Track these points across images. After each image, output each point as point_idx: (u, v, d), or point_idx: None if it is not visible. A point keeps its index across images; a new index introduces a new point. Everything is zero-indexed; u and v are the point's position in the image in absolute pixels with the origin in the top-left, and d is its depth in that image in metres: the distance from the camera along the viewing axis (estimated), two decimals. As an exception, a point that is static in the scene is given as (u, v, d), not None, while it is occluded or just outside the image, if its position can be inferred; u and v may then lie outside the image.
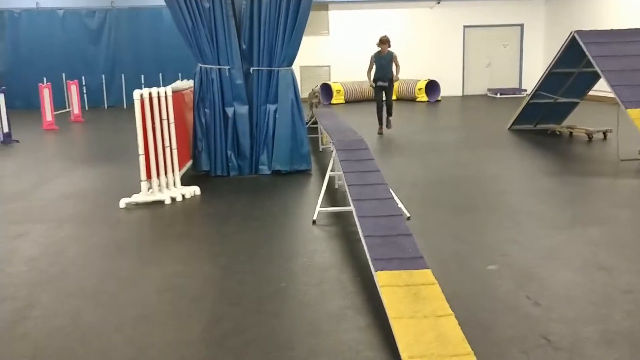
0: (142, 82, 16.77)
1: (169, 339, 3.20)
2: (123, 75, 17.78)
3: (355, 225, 4.82)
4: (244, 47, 7.37)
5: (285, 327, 3.30)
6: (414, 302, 3.24)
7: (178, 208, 6.09)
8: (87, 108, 17.06)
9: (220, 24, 7.20)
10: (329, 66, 18.63)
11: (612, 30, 8.84)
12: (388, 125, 10.75)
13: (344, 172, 5.17)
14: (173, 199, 6.24)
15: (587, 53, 8.19)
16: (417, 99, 17.51)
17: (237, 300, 3.69)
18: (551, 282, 3.80)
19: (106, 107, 17.75)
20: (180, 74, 16.16)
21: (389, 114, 10.74)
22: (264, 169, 7.50)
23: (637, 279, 3.81)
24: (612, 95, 7.77)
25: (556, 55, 9.11)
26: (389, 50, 10.57)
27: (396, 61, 10.50)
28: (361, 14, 18.69)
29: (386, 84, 10.60)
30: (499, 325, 3.23)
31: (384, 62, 10.57)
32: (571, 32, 8.60)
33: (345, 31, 18.76)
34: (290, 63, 7.44)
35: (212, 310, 3.57)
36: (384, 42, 10.56)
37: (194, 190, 6.52)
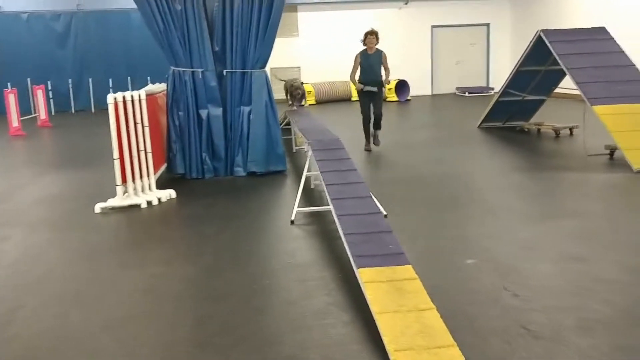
0: (110, 85, 16.56)
1: (159, 338, 3.21)
2: (91, 79, 17.51)
3: (334, 223, 4.89)
4: (216, 49, 7.36)
5: (272, 324, 3.34)
6: (397, 296, 3.30)
7: (155, 211, 6.06)
8: (54, 113, 16.75)
9: (193, 26, 7.19)
10: (299, 67, 18.65)
11: (576, 29, 9.08)
12: (375, 141, 8.87)
13: (321, 171, 5.22)
14: (149, 203, 6.20)
15: (553, 51, 8.39)
16: (388, 99, 17.65)
17: (223, 299, 3.70)
18: (529, 274, 3.90)
19: (74, 112, 17.46)
20: (149, 78, 16.04)
21: (378, 126, 8.78)
22: (240, 171, 7.50)
23: (610, 268, 3.95)
24: (577, 92, 7.98)
25: (523, 54, 9.31)
26: (377, 49, 8.63)
27: (386, 62, 8.66)
28: (330, 15, 18.78)
29: (375, 89, 8.55)
30: (481, 317, 3.31)
31: (372, 63, 8.56)
32: (537, 31, 8.80)
33: (314, 32, 18.83)
34: (264, 65, 7.46)
35: (199, 309, 3.58)
36: (372, 37, 8.50)
37: (169, 193, 6.49)
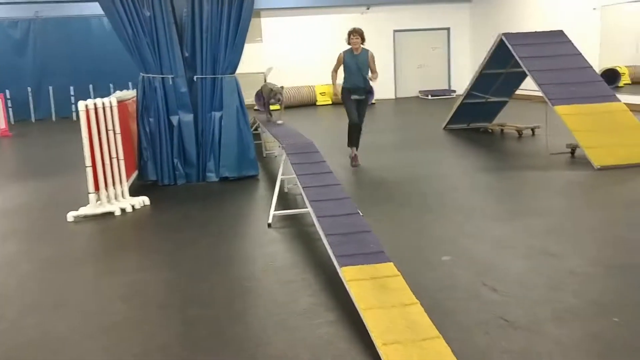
0: (72, 93, 16.27)
1: (145, 345, 3.22)
2: (51, 87, 17.15)
3: (311, 226, 4.99)
4: (186, 55, 7.36)
5: (258, 325, 3.39)
6: (381, 293, 3.39)
7: (129, 218, 6.03)
8: (13, 122, 16.36)
9: (162, 33, 7.17)
10: (263, 73, 18.69)
11: (536, 32, 9.39)
12: (354, 162, 7.97)
13: (297, 175, 5.29)
14: (123, 210, 6.16)
15: (515, 54, 8.66)
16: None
17: (207, 303, 3.74)
18: (504, 269, 4.05)
19: (34, 121, 17.08)
20: (112, 85, 15.84)
21: (356, 143, 8.00)
22: (212, 176, 7.50)
23: (579, 262, 4.13)
24: (537, 93, 8.26)
25: (486, 57, 9.57)
26: (364, 48, 7.72)
27: (374, 64, 7.70)
28: (293, 20, 18.89)
29: (363, 97, 7.79)
30: (461, 311, 3.43)
31: (359, 65, 7.63)
32: (499, 35, 9.07)
33: (278, 38, 18.91)
34: (234, 70, 7.50)
35: (183, 314, 3.60)
36: (356, 36, 7.67)
37: (142, 200, 6.46)
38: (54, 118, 17.01)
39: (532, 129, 9.97)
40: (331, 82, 8.13)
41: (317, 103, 18.33)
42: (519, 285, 3.76)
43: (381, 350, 2.88)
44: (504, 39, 8.93)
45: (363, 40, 7.71)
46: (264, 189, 7.03)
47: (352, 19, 18.97)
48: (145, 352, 3.14)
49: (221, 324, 3.43)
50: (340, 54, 7.75)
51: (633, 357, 2.89)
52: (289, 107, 17.46)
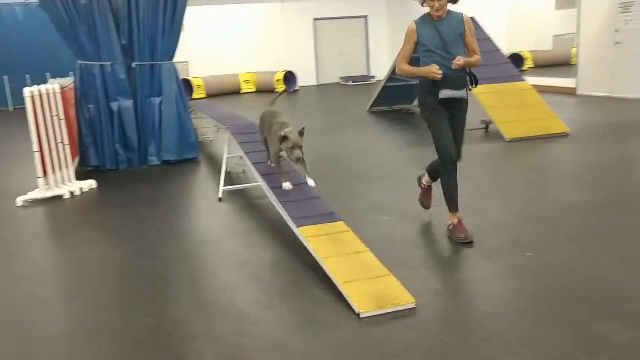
0: (6, 84, 15.78)
1: (107, 301, 3.58)
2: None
3: (259, 198, 5.45)
4: (124, 42, 7.54)
5: (230, 278, 3.82)
6: (337, 245, 3.90)
7: (79, 201, 6.21)
8: None
9: (99, 20, 7.32)
10: (187, 62, 18.71)
11: (450, 19, 10.16)
12: (460, 234, 4.21)
13: (246, 153, 5.68)
14: (71, 193, 6.34)
15: (433, 39, 9.37)
16: (276, 90, 18.26)
17: (177, 266, 4.11)
18: (437, 223, 4.67)
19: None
20: (48, 74, 15.40)
21: (455, 197, 4.38)
22: (154, 160, 7.75)
23: (499, 215, 4.83)
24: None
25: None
26: (451, 11, 4.31)
27: (472, 37, 4.29)
28: (215, 9, 19.01)
29: (462, 93, 4.25)
30: (403, 254, 4.01)
31: (446, 36, 4.22)
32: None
33: (200, 27, 18.97)
34: (172, 56, 7.76)
35: (159, 277, 3.96)
36: None
37: (90, 183, 6.65)
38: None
39: (449, 109, 10.79)
40: (410, 73, 4.47)
41: (242, 91, 18.62)
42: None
43: (342, 287, 3.39)
44: (421, 25, 9.61)
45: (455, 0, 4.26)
46: (206, 170, 7.37)
47: (272, 8, 19.38)
48: (107, 307, 3.50)
49: (195, 278, 3.83)
50: (411, 25, 4.31)
51: (540, 278, 3.55)
52: (213, 95, 17.68)
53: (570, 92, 12.61)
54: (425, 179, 4.80)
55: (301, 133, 4.50)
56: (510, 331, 2.91)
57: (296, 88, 18.33)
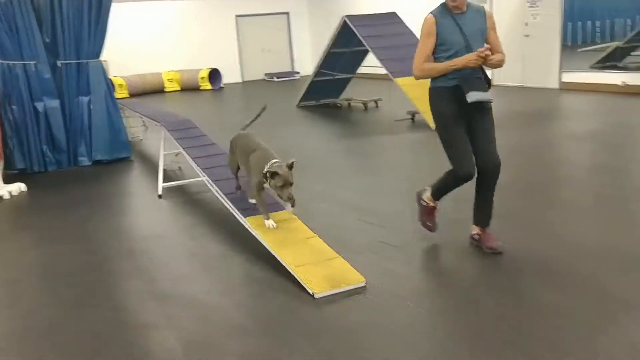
0: None
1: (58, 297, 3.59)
2: None
3: (200, 193, 5.53)
4: (47, 40, 7.33)
5: (181, 269, 3.89)
6: (285, 233, 4.05)
7: (9, 204, 6.03)
8: None
9: (20, 18, 7.08)
10: (106, 61, 18.19)
11: (374, 14, 10.51)
12: (489, 244, 3.85)
13: (184, 148, 5.72)
14: (1, 197, 6.14)
15: (358, 34, 9.69)
16: (201, 88, 18.11)
17: (126, 260, 4.13)
18: (373, 208, 4.92)
19: None
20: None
21: (488, 217, 3.90)
22: (84, 160, 7.59)
23: (431, 197, 5.13)
24: (377, 71, 9.36)
25: (332, 38, 10.52)
26: (473, 4, 3.76)
27: (495, 32, 3.81)
28: (134, 6, 18.58)
29: (488, 96, 3.67)
30: (348, 239, 4.22)
31: (469, 32, 3.67)
32: (342, 17, 10.05)
33: (119, 24, 18.45)
34: (99, 55, 7.63)
35: (109, 274, 3.97)
36: None
37: (19, 186, 6.45)
38: None
39: (376, 102, 11.17)
40: (439, 71, 3.71)
41: (166, 90, 18.32)
42: (387, 218, 4.64)
43: (295, 271, 3.55)
44: (347, 20, 9.91)
45: None
46: (140, 169, 7.31)
47: (194, 5, 19.18)
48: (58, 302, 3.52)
49: (147, 272, 3.87)
50: (428, 17, 3.70)
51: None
52: (136, 95, 17.30)
53: (486, 83, 13.27)
54: (427, 196, 4.12)
55: (290, 167, 3.97)
56: (452, 303, 3.17)
57: (221, 85, 18.24)
